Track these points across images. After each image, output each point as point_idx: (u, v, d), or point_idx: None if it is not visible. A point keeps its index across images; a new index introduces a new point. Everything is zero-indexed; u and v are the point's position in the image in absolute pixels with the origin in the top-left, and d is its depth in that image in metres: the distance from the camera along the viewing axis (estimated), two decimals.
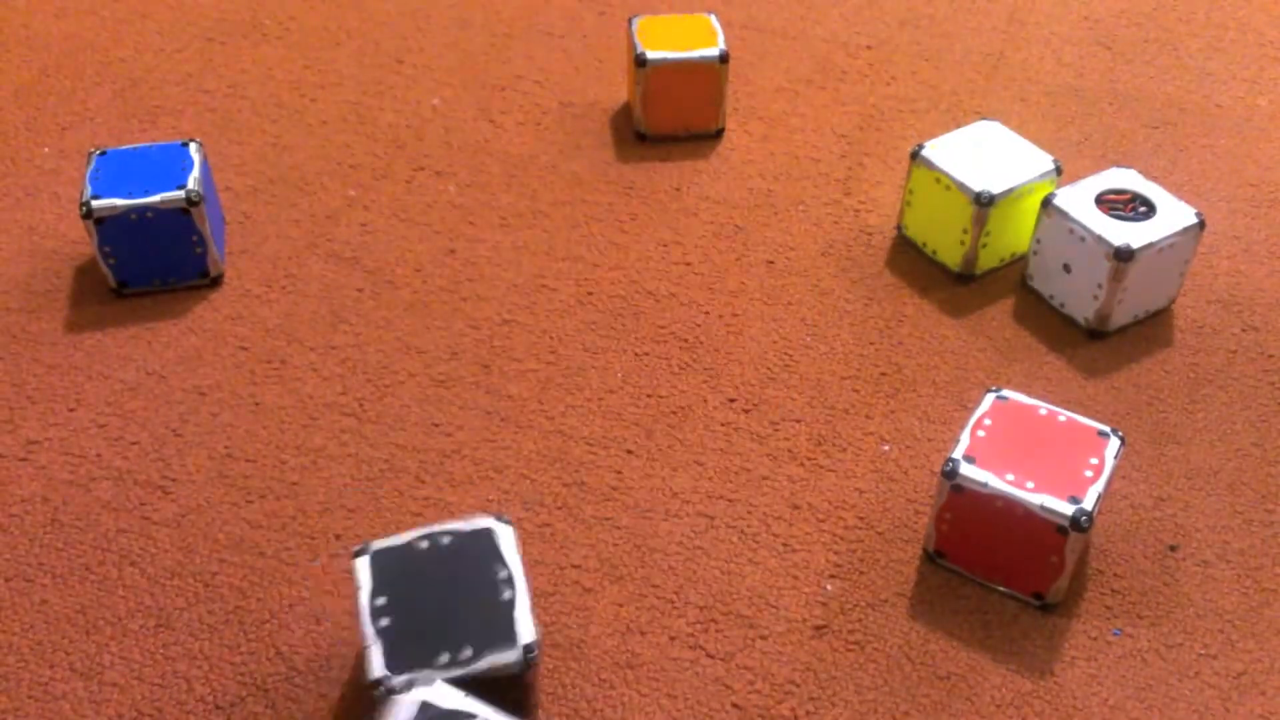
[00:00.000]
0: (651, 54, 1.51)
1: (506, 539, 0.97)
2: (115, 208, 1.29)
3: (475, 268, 1.40)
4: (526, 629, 0.91)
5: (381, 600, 0.91)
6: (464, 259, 1.41)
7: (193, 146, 1.36)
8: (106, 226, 1.29)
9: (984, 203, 1.31)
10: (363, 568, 0.94)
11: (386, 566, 0.94)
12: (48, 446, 1.19)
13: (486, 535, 0.96)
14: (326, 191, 1.51)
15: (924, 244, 1.41)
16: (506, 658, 0.90)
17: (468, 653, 0.89)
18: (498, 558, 0.95)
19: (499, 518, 0.98)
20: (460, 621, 0.91)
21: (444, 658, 0.89)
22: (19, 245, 1.42)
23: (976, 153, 1.36)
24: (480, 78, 1.71)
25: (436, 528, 0.97)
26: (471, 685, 0.90)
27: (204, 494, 1.15)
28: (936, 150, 1.37)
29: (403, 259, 1.41)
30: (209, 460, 1.18)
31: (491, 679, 0.91)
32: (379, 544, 0.96)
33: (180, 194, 1.30)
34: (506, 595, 0.93)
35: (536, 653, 0.90)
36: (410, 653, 0.89)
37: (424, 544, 0.95)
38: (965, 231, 1.34)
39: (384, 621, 0.90)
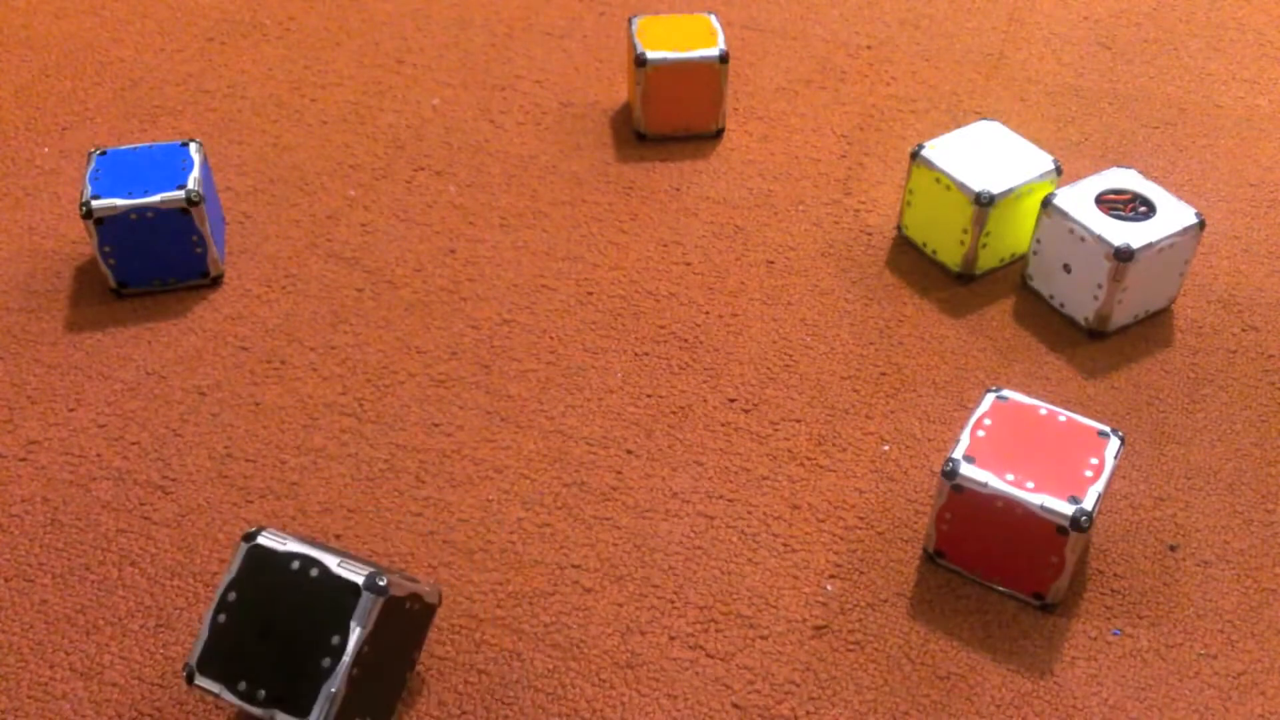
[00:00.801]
0: (651, 54, 1.51)
1: (274, 540, 0.92)
2: (115, 208, 1.29)
3: (475, 268, 1.40)
4: (354, 574, 0.89)
5: (243, 685, 0.88)
6: (464, 259, 1.41)
7: (193, 146, 1.36)
8: (106, 226, 1.29)
9: (984, 203, 1.31)
10: (207, 684, 0.90)
11: (218, 663, 0.90)
12: (48, 446, 1.19)
13: (260, 553, 0.92)
14: (326, 191, 1.51)
15: (924, 244, 1.41)
16: (366, 606, 0.88)
17: (337, 639, 0.87)
18: (282, 559, 0.91)
19: (257, 532, 0.93)
20: (309, 630, 0.88)
21: (327, 661, 0.87)
22: (19, 245, 1.42)
23: (976, 153, 1.36)
24: (480, 78, 1.71)
25: (219, 590, 0.92)
26: (396, 657, 0.94)
27: (204, 494, 1.15)
28: (936, 150, 1.37)
29: (403, 259, 1.41)
30: (209, 460, 1.18)
31: (395, 631, 0.92)
32: (193, 655, 0.91)
33: (180, 194, 1.30)
34: (316, 573, 0.90)
35: (386, 578, 0.89)
36: (305, 692, 0.87)
37: (221, 618, 0.91)
38: (965, 231, 1.34)
39: (261, 694, 0.88)
